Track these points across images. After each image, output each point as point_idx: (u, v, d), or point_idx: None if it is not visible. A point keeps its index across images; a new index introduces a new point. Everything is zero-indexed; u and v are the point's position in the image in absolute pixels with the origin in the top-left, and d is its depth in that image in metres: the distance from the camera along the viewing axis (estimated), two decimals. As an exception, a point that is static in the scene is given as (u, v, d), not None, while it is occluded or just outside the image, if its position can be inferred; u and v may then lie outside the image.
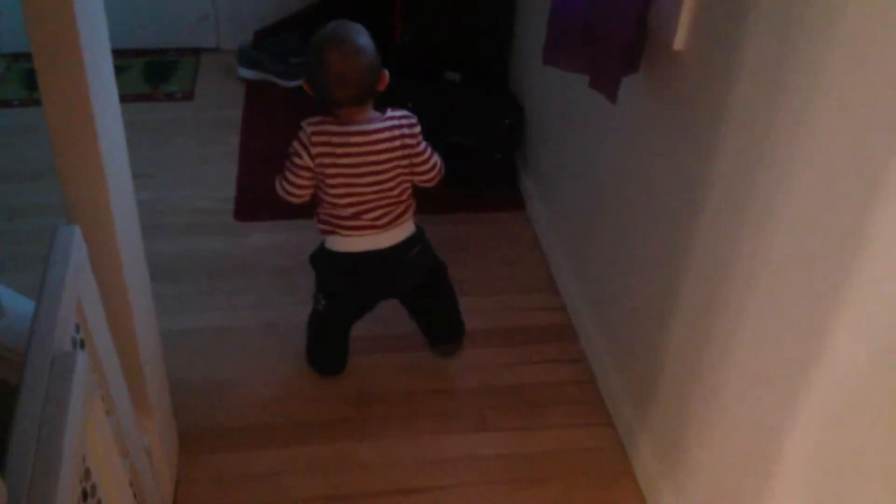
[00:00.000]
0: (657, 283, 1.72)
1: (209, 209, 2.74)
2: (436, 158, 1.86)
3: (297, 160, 1.78)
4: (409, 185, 1.85)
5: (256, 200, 2.77)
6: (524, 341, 2.25)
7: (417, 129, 1.81)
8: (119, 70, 3.64)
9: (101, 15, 1.35)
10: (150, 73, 3.59)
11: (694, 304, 1.57)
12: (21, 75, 3.56)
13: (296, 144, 1.78)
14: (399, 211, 1.83)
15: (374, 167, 1.76)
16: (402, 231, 1.86)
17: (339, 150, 1.75)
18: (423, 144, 1.83)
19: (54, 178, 1.32)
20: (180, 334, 2.20)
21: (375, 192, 1.78)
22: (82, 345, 1.27)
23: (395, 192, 1.81)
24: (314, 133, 1.75)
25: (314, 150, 1.75)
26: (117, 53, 3.21)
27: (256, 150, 3.05)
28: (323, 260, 1.91)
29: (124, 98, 3.13)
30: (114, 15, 3.48)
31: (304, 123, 1.78)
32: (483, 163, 2.85)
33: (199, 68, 3.65)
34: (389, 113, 1.80)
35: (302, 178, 1.80)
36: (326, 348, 2.09)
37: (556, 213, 2.49)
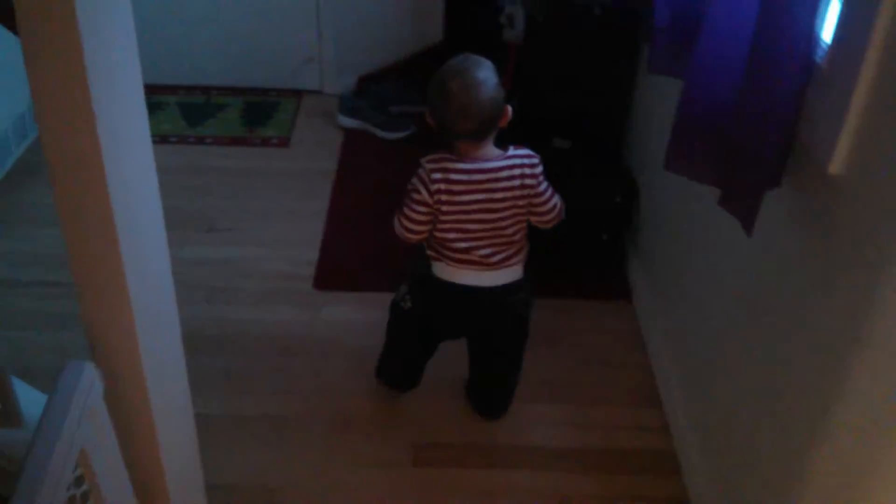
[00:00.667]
0: (792, 430, 1.41)
1: (287, 273, 2.55)
2: (556, 200, 1.83)
3: (416, 196, 1.74)
4: (524, 225, 1.80)
5: (339, 268, 2.58)
6: (612, 468, 1.95)
7: (539, 168, 1.77)
8: (218, 108, 3.60)
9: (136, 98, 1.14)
10: (249, 113, 3.46)
11: (843, 463, 1.26)
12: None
13: (415, 181, 1.75)
14: (511, 252, 1.80)
15: (490, 205, 1.73)
16: (510, 273, 1.81)
17: (457, 188, 1.72)
18: (545, 185, 1.79)
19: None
20: (234, 422, 2.01)
21: (487, 231, 1.75)
22: (84, 499, 1.07)
23: (509, 231, 1.77)
24: (433, 170, 1.72)
25: (433, 187, 1.72)
26: (218, 90, 3.26)
27: (346, 210, 2.86)
28: (424, 280, 1.86)
29: (218, 140, 3.04)
30: (217, 50, 3.38)
31: (423, 160, 1.74)
32: (588, 243, 2.57)
33: (300, 111, 3.51)
34: (511, 150, 1.76)
35: (420, 213, 1.75)
36: (401, 358, 2.02)
37: (669, 312, 2.19)
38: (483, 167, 1.72)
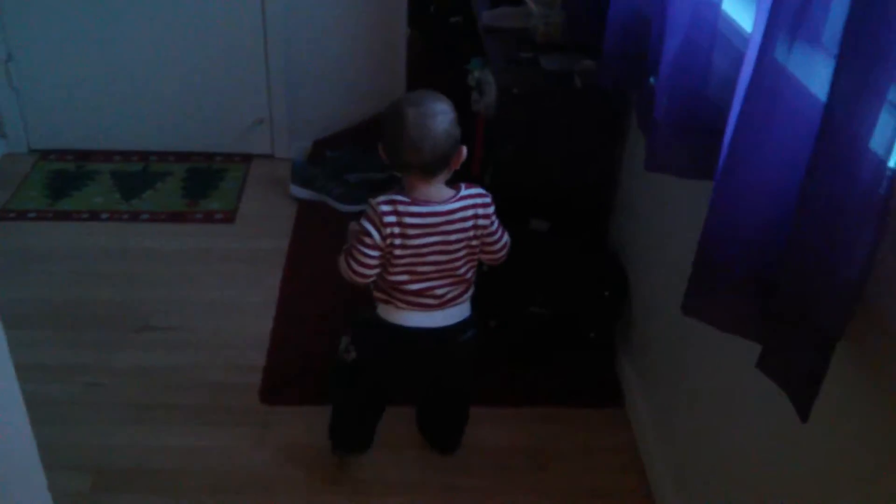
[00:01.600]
0: None
1: (230, 384, 2.22)
2: (506, 238, 1.80)
3: (367, 240, 1.65)
4: (474, 264, 1.76)
5: (289, 374, 2.25)
6: None
7: (491, 208, 1.72)
8: (157, 177, 3.20)
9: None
10: (192, 182, 3.13)
11: None
12: (50, 178, 3.13)
13: (365, 223, 1.66)
14: (461, 290, 1.75)
15: (444, 246, 1.68)
16: (459, 311, 1.77)
17: (412, 231, 1.65)
18: (496, 224, 1.75)
19: None
20: None
21: (440, 272, 1.70)
22: None
23: (461, 270, 1.73)
24: (386, 213, 1.64)
25: (386, 231, 1.64)
26: (158, 155, 2.93)
27: (298, 297, 2.54)
28: (368, 325, 1.80)
29: (156, 217, 2.68)
30: (158, 111, 3.00)
31: (373, 201, 1.65)
32: (573, 342, 2.26)
33: (248, 179, 3.19)
34: (464, 190, 1.69)
35: (371, 258, 1.68)
36: (353, 418, 1.96)
37: (668, 419, 1.90)
38: (437, 210, 1.65)
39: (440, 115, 1.60)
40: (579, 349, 2.28)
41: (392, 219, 1.64)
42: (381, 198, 1.65)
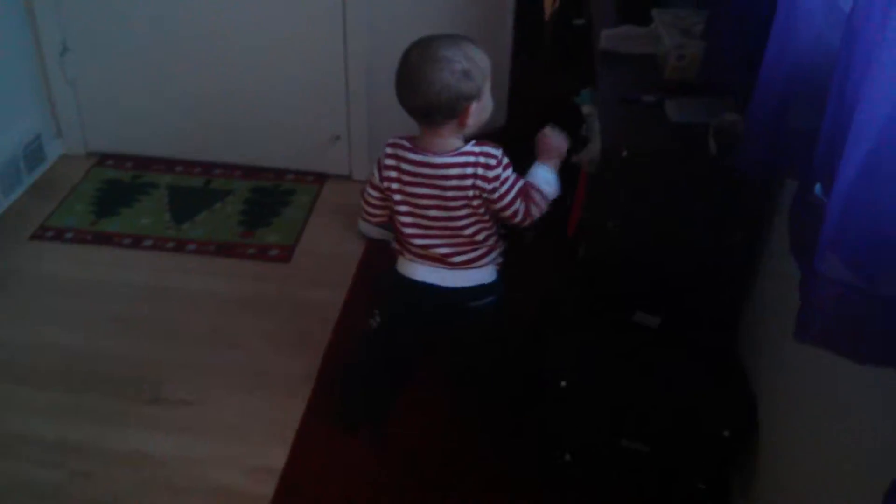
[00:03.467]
0: None
1: (239, 492, 1.78)
2: (518, 205, 1.62)
3: (371, 178, 1.69)
4: (488, 225, 1.66)
5: (312, 485, 1.80)
6: None
7: (497, 171, 1.58)
8: (218, 196, 2.70)
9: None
10: (254, 206, 2.73)
11: None
12: (101, 189, 2.79)
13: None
14: (476, 254, 1.67)
15: (443, 202, 1.61)
16: (475, 276, 1.69)
17: (407, 178, 1.62)
18: (504, 188, 1.60)
19: None
20: None
21: (443, 229, 1.64)
22: None
23: (468, 231, 1.65)
24: (387, 155, 1.64)
25: (384, 174, 1.65)
26: (224, 168, 2.62)
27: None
28: (387, 281, 1.77)
29: (203, 248, 2.32)
30: (226, 119, 2.83)
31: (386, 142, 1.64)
32: (673, 492, 1.71)
33: (317, 204, 2.75)
34: (469, 146, 1.59)
35: (373, 197, 1.70)
36: (365, 385, 1.90)
37: None
38: (431, 161, 1.59)
39: (443, 62, 1.50)
40: (680, 502, 1.72)
41: (391, 162, 1.63)
42: (391, 139, 1.64)
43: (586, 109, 2.10)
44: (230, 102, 2.79)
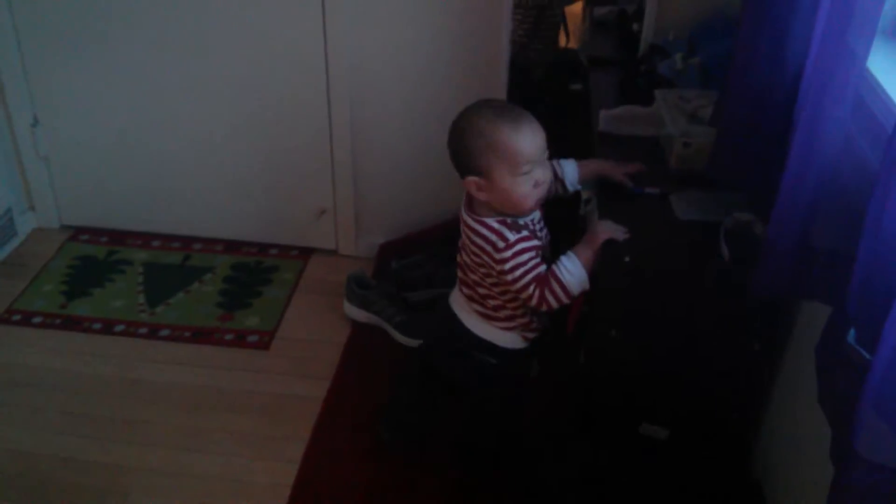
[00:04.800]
0: None
1: None
2: (532, 291, 1.52)
3: None
4: (492, 292, 1.60)
5: None
6: None
7: (504, 254, 1.51)
8: (196, 274, 2.56)
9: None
10: (233, 284, 2.57)
11: None
12: (74, 267, 2.64)
13: None
14: (474, 299, 1.65)
15: (463, 255, 1.63)
16: (486, 327, 1.65)
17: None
18: (517, 273, 1.51)
19: None
20: None
21: (464, 276, 1.66)
22: None
23: (474, 277, 1.62)
24: None
25: None
26: (204, 243, 2.62)
27: (321, 481, 1.93)
28: None
29: (178, 334, 2.35)
30: (206, 191, 2.68)
31: None
32: None
33: (301, 282, 2.59)
34: (489, 220, 1.53)
35: None
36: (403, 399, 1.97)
37: None
38: (462, 215, 1.61)
39: (455, 128, 1.53)
40: None
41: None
42: None
43: (585, 194, 1.94)
44: (211, 174, 2.65)
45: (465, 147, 1.50)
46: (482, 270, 1.59)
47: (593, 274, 1.59)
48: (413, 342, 2.30)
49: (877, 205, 0.93)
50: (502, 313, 1.64)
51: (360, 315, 2.40)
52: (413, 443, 1.97)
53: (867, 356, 0.91)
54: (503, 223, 1.53)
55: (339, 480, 1.91)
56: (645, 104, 1.93)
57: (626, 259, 1.49)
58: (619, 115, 1.93)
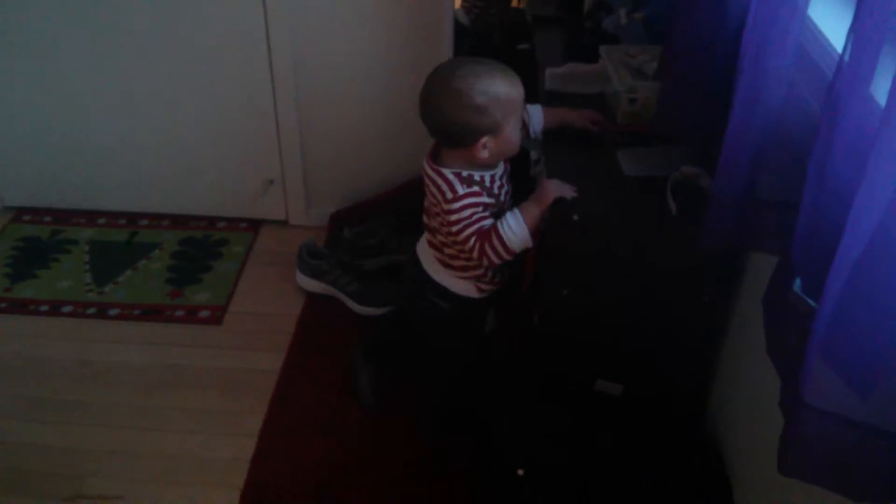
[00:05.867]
0: None
1: None
2: (473, 244, 1.54)
3: None
4: (446, 241, 1.62)
5: None
6: None
7: (451, 206, 1.53)
8: (141, 250, 2.49)
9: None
10: (182, 260, 2.52)
11: None
12: (18, 248, 2.56)
13: None
14: (435, 252, 1.68)
15: (427, 204, 1.65)
16: (429, 263, 1.70)
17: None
18: (460, 226, 1.53)
19: None
20: None
21: (425, 212, 1.68)
22: None
23: (433, 224, 1.65)
24: None
25: None
26: (150, 218, 2.58)
27: (279, 456, 1.91)
28: None
29: (128, 313, 2.28)
30: (151, 166, 2.62)
31: None
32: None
33: (252, 254, 2.55)
34: (447, 171, 1.54)
35: None
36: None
37: None
38: (428, 165, 1.58)
39: (455, 95, 1.46)
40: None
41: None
42: None
43: (534, 155, 1.93)
44: (155, 149, 2.59)
45: (468, 112, 1.46)
46: (438, 219, 1.60)
47: (543, 233, 1.59)
48: (368, 310, 2.29)
49: (819, 153, 0.93)
50: (457, 262, 1.65)
51: (314, 285, 2.37)
52: (379, 393, 2.01)
53: (813, 304, 0.91)
54: (457, 175, 1.54)
55: (298, 453, 1.90)
56: (590, 61, 1.92)
57: (575, 218, 1.49)
58: (565, 73, 1.91)
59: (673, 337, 1.60)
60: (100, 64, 2.44)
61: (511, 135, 1.52)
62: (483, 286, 1.69)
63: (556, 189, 1.52)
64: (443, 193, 1.54)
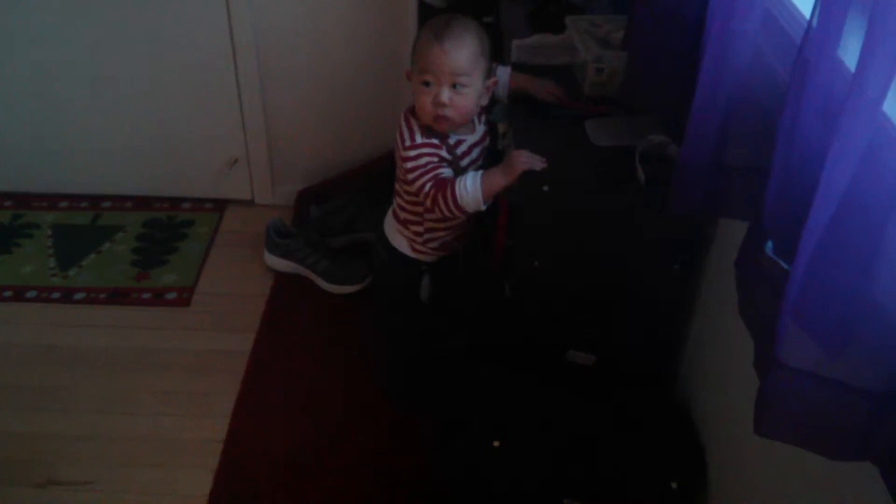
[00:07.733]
0: None
1: None
2: (428, 189, 1.55)
3: None
4: (402, 191, 1.66)
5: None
6: None
7: (407, 153, 1.57)
8: (105, 233, 2.45)
9: None
10: (147, 242, 2.49)
11: None
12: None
13: None
14: (394, 200, 1.73)
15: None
16: (390, 223, 1.75)
17: None
18: (415, 174, 1.56)
19: None
20: None
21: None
22: None
23: (397, 180, 1.67)
24: None
25: None
26: (113, 200, 2.54)
27: (252, 436, 1.90)
28: None
29: (93, 296, 2.25)
30: (112, 147, 2.56)
31: None
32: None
33: (218, 235, 2.52)
34: (408, 117, 1.58)
35: None
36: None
37: None
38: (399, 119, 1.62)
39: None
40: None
41: None
42: None
43: (501, 128, 1.93)
44: (117, 129, 2.55)
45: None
46: (399, 167, 1.64)
47: (513, 205, 1.58)
48: (338, 288, 2.28)
49: (789, 116, 0.93)
50: (402, 214, 1.70)
51: (282, 265, 2.36)
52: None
53: (785, 266, 0.92)
54: (421, 127, 1.57)
55: (271, 433, 1.89)
56: (556, 32, 1.91)
57: (545, 189, 1.49)
58: (531, 44, 1.90)
59: (644, 304, 1.62)
60: (57, 47, 2.38)
61: (414, 87, 1.54)
62: (417, 247, 1.72)
63: (525, 161, 1.51)
64: (403, 140, 1.58)
